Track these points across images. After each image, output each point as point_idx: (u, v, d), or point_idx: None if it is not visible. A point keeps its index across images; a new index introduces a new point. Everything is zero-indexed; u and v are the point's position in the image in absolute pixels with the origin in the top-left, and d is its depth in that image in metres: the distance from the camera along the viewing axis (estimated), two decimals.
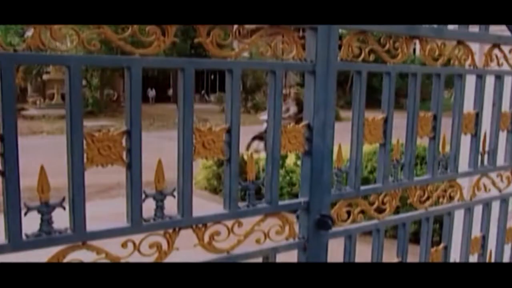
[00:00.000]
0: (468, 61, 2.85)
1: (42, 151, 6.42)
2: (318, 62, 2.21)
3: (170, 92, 32.84)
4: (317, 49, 2.20)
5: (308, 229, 2.31)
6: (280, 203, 2.24)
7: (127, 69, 1.79)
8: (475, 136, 2.96)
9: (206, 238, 2.08)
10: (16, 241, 1.67)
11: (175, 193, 1.98)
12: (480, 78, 2.90)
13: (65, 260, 1.78)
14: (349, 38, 2.34)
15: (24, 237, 1.69)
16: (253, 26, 2.05)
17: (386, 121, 2.53)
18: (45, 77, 25.91)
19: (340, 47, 2.32)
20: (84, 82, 26.68)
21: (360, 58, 2.39)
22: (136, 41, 1.87)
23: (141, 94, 1.84)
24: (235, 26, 2.01)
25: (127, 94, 1.82)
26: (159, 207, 1.95)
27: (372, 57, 2.43)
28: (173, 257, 1.99)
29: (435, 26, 2.59)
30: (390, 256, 2.75)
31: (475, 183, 3.09)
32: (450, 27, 2.75)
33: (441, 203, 2.92)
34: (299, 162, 6.79)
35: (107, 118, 22.09)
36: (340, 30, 2.27)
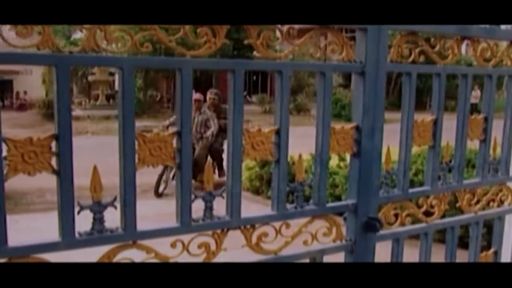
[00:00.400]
0: None
1: (87, 151, 6.51)
2: (368, 63, 2.18)
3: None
4: (367, 50, 2.17)
5: (356, 231, 2.28)
6: (328, 205, 2.22)
7: (179, 70, 1.80)
8: None
9: (254, 239, 2.08)
10: (69, 239, 1.70)
11: (224, 194, 1.99)
12: None
13: (115, 259, 1.80)
14: (398, 39, 2.31)
15: (77, 235, 1.71)
16: (300, 27, 2.04)
17: (436, 123, 2.47)
18: (90, 78, 26.30)
19: (389, 48, 2.28)
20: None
21: (410, 59, 2.35)
22: (186, 43, 1.88)
23: (191, 95, 1.85)
24: (285, 28, 2.00)
25: (177, 95, 1.83)
26: (208, 208, 1.96)
27: (421, 58, 2.39)
28: (221, 258, 2.00)
29: (487, 26, 2.53)
30: (437, 260, 2.70)
31: None
32: (503, 27, 2.68)
33: (491, 207, 2.85)
34: (342, 164, 6.74)
35: (150, 119, 22.33)
36: (389, 31, 2.23)
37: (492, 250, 2.92)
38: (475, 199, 2.75)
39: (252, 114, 22.64)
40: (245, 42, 1.95)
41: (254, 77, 31.10)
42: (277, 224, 2.12)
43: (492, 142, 2.73)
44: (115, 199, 1.79)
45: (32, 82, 28.54)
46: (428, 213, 2.59)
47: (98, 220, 1.76)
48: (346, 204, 2.28)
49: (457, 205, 2.70)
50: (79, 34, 26.60)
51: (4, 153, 1.59)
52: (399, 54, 2.32)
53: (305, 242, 2.19)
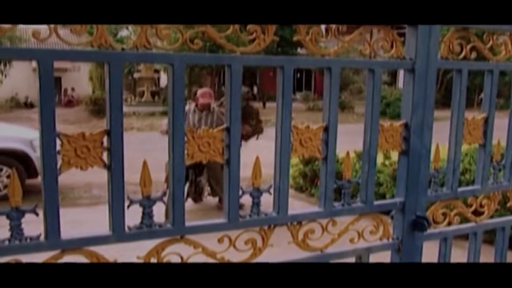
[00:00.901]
0: None
1: (133, 147, 6.60)
2: (418, 60, 2.14)
3: (255, 90, 32.98)
4: (417, 47, 2.14)
5: (403, 230, 2.26)
6: (375, 203, 2.20)
7: (228, 66, 1.80)
8: None
9: (301, 236, 2.07)
10: (119, 233, 1.73)
11: (271, 190, 1.99)
12: None
13: (163, 253, 1.82)
14: (450, 35, 2.26)
15: (127, 229, 1.74)
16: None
17: (487, 120, 2.42)
18: (136, 75, 26.66)
19: (440, 43, 2.24)
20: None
21: (461, 56, 2.30)
22: (236, 40, 1.88)
23: (240, 91, 1.85)
24: (334, 24, 1.98)
25: (227, 91, 1.84)
26: (256, 204, 1.96)
27: (473, 55, 2.33)
28: (268, 254, 2.00)
29: None
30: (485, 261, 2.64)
31: None
32: None
33: None
34: (387, 162, 6.65)
35: None
36: (440, 27, 2.19)
37: None
38: None
39: (296, 112, 22.50)
40: (294, 38, 1.94)
41: (298, 75, 31.01)
42: (323, 222, 2.11)
43: None
44: (164, 193, 1.81)
45: (79, 79, 29.23)
46: (478, 213, 2.54)
47: (147, 214, 1.78)
48: (394, 202, 2.25)
49: (508, 205, 2.63)
50: (125, 31, 27.07)
51: (58, 148, 1.63)
52: (450, 50, 2.27)
53: (351, 240, 2.18)
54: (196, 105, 6.97)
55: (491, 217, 2.59)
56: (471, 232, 2.52)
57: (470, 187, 2.51)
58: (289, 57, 1.91)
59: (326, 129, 2.03)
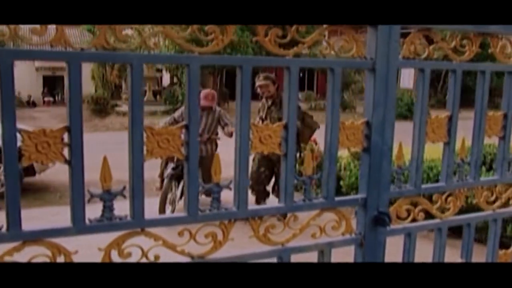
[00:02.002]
0: None
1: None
2: (378, 60, 2.21)
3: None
4: (377, 47, 2.20)
5: (365, 225, 2.31)
6: (337, 198, 2.26)
7: (187, 66, 1.87)
8: None
9: (262, 230, 2.14)
10: (80, 225, 1.80)
11: (232, 186, 2.05)
12: None
13: (124, 245, 1.89)
14: (412, 35, 2.32)
15: (87, 221, 1.81)
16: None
17: (451, 119, 2.47)
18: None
19: (402, 44, 2.30)
20: (175, 80, 27.39)
21: (424, 56, 2.36)
22: (196, 40, 1.95)
23: (198, 90, 1.92)
24: (294, 26, 2.04)
25: (186, 90, 1.91)
26: (215, 199, 2.03)
27: (437, 55, 2.39)
28: (228, 247, 2.07)
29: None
30: (455, 255, 2.71)
31: None
32: None
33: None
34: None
35: None
36: (400, 28, 2.25)
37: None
38: (494, 197, 2.73)
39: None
40: (253, 39, 2.01)
41: (301, 74, 31.07)
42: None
43: None
44: (124, 188, 1.89)
45: (82, 79, 29.36)
46: (444, 210, 2.59)
47: (108, 208, 1.85)
48: (355, 198, 2.31)
49: (474, 202, 2.69)
50: (129, 31, 27.08)
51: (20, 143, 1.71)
52: (411, 51, 2.33)
53: (313, 235, 2.24)
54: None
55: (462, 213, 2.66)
56: (435, 228, 2.58)
57: (434, 184, 2.57)
58: (247, 57, 1.99)
59: (285, 127, 2.09)
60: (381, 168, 2.30)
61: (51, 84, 33.57)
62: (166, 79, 29.80)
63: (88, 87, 27.48)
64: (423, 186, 2.48)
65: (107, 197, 1.85)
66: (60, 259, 1.81)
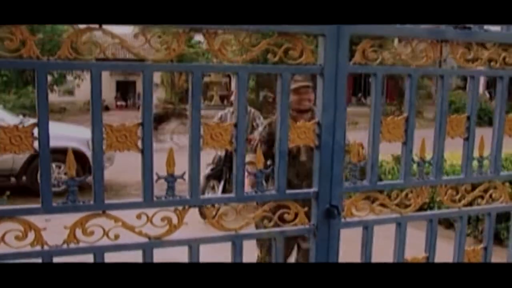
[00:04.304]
0: None
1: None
2: (326, 66, 2.42)
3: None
4: (325, 54, 2.41)
5: (318, 217, 2.53)
6: (288, 191, 2.49)
7: (142, 73, 2.17)
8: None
9: (215, 218, 2.40)
10: (47, 206, 2.14)
11: (185, 177, 2.34)
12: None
13: (87, 225, 2.22)
14: (363, 43, 2.51)
15: (54, 203, 2.15)
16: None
17: (408, 120, 2.64)
18: (206, 79, 27.64)
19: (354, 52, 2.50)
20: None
21: (377, 62, 2.54)
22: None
23: (152, 96, 2.22)
24: (243, 35, 2.30)
25: (142, 95, 2.22)
26: (170, 188, 2.32)
27: (392, 61, 2.57)
28: (183, 231, 2.35)
29: (465, 29, 2.65)
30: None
31: None
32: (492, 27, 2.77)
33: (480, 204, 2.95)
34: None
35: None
36: (349, 36, 2.45)
37: (481, 246, 3.00)
38: (459, 195, 2.86)
39: (363, 116, 22.59)
40: (205, 48, 2.29)
41: (370, 79, 30.85)
42: (238, 206, 2.44)
43: (478, 141, 2.84)
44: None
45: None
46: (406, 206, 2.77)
47: (72, 192, 2.18)
48: (307, 192, 2.54)
49: (438, 199, 2.84)
50: (199, 37, 27.97)
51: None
52: (363, 57, 2.52)
53: (266, 225, 2.49)
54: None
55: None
56: (395, 222, 2.74)
57: (390, 181, 2.75)
58: (198, 64, 2.29)
59: (235, 125, 2.35)
60: (332, 164, 2.51)
61: (124, 89, 35.35)
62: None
63: (158, 92, 28.69)
64: (380, 183, 2.67)
65: (72, 183, 2.19)
66: (31, 234, 2.16)
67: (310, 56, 2.42)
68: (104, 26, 2.07)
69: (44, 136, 2.10)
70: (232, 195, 2.41)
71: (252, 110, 7.34)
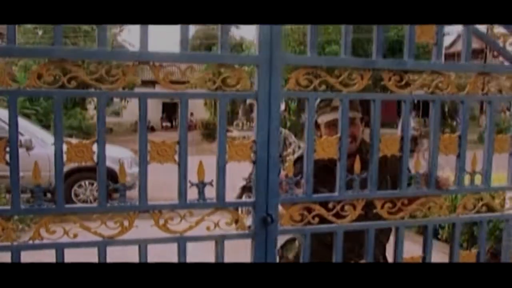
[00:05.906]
0: (448, 89, 3.14)
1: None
2: (260, 92, 2.80)
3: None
4: (259, 81, 2.79)
5: (255, 224, 2.89)
6: (227, 200, 2.87)
7: (97, 99, 2.61)
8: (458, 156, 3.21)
9: (161, 222, 2.80)
10: (16, 208, 2.59)
11: (136, 186, 2.76)
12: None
13: (50, 225, 2.66)
14: (296, 72, 2.88)
15: (22, 206, 2.61)
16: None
17: (341, 139, 2.97)
18: (248, 101, 28.32)
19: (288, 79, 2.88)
20: (282, 107, 28.65)
21: (310, 88, 2.90)
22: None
23: (105, 120, 2.66)
24: (185, 66, 2.72)
25: (97, 120, 2.66)
26: (122, 196, 2.74)
27: (324, 87, 2.92)
28: (133, 233, 2.76)
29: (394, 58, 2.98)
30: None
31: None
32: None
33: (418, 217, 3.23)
34: None
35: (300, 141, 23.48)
36: (282, 66, 2.83)
37: (421, 255, 3.27)
38: (396, 208, 3.15)
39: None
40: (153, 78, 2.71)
41: (415, 102, 30.72)
42: (182, 212, 2.83)
43: (415, 157, 3.14)
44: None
45: (198, 104, 31.72)
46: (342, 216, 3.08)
47: (38, 197, 2.63)
48: (244, 201, 2.91)
49: (374, 211, 3.14)
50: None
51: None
52: (296, 84, 2.89)
53: (208, 228, 2.87)
54: None
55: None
56: (332, 231, 3.05)
57: (326, 194, 3.06)
58: (145, 91, 2.69)
59: (178, 143, 2.76)
60: (268, 177, 2.87)
61: (170, 110, 36.56)
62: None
63: (201, 113, 29.59)
64: (315, 195, 3.00)
65: (37, 190, 2.64)
66: (4, 233, 2.62)
67: (246, 84, 2.81)
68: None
69: (101, 151, 2.62)
70: (177, 202, 2.81)
71: (283, 130, 7.98)
